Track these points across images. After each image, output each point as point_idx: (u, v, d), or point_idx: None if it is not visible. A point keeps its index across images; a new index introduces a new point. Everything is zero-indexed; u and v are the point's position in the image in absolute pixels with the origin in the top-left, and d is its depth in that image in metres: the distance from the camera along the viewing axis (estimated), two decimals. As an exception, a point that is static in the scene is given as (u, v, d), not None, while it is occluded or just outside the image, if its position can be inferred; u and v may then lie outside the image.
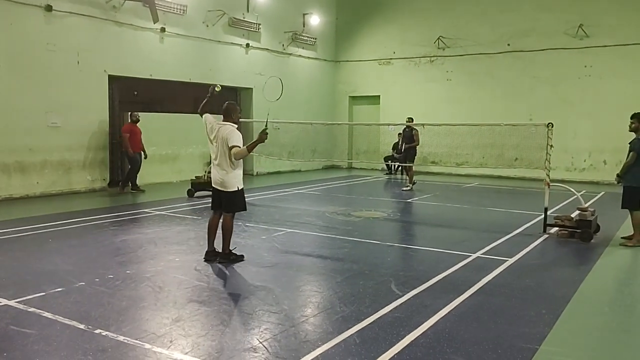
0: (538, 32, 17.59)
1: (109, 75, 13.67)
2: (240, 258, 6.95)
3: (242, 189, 6.85)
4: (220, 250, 6.91)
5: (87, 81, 13.13)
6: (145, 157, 13.51)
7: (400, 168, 19.08)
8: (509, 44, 18.10)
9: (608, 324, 5.13)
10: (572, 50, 17.08)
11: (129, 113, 13.50)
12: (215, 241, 6.97)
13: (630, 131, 8.15)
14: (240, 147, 6.57)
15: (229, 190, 6.75)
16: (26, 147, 12.04)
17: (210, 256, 6.94)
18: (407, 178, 15.15)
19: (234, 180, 6.75)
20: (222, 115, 6.86)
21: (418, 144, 14.85)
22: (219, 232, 6.90)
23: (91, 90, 13.24)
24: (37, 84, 12.16)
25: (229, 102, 7.07)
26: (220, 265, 6.72)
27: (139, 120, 13.30)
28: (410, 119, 14.40)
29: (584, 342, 4.65)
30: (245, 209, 7.00)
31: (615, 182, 8.45)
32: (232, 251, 6.93)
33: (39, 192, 12.32)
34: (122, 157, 14.10)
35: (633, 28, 16.22)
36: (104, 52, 13.45)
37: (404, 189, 14.64)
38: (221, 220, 6.90)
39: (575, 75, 17.09)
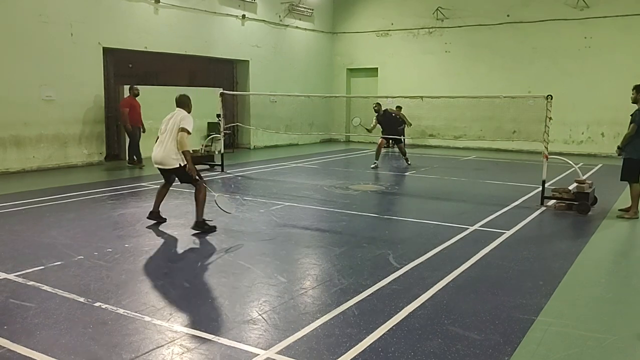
0: (537, 2, 17.36)
1: (104, 48, 13.48)
2: (212, 229, 7.03)
3: (184, 165, 6.92)
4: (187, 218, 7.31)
5: (81, 54, 12.95)
6: (144, 131, 13.39)
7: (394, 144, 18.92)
8: (508, 15, 17.87)
9: (604, 295, 5.18)
10: (572, 21, 16.88)
11: (129, 87, 13.28)
12: (160, 205, 7.42)
13: (632, 103, 8.09)
14: (189, 134, 6.77)
15: (168, 167, 6.96)
16: (21, 121, 11.93)
17: (153, 216, 7.36)
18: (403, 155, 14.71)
19: (174, 158, 6.88)
20: (176, 104, 7.18)
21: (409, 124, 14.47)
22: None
23: (86, 62, 13.07)
24: (31, 56, 11.99)
25: (183, 94, 7.27)
26: (194, 235, 6.85)
27: (138, 94, 13.15)
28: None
29: (581, 312, 4.69)
30: (199, 177, 7.06)
31: (616, 154, 8.42)
32: (206, 221, 7.03)
33: (35, 166, 12.26)
34: (119, 131, 13.98)
35: (634, -2, 16.03)
36: (98, 24, 13.24)
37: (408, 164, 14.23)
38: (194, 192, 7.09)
39: (575, 47, 16.94)
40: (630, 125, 7.97)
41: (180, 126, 6.76)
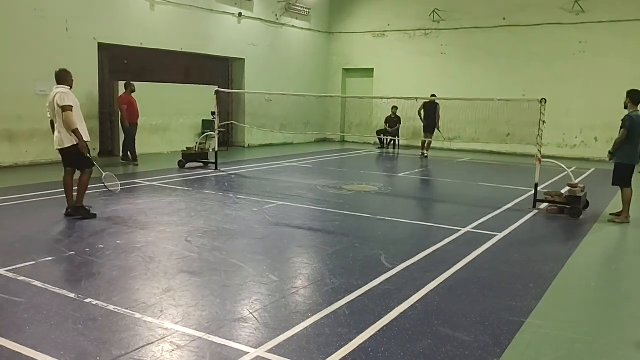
0: (534, 6, 17.42)
1: (99, 43, 13.43)
2: (91, 215, 7.29)
3: (76, 144, 7.11)
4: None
5: (77, 49, 12.88)
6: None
7: (392, 142, 19.09)
8: (504, 18, 17.93)
9: (594, 299, 5.22)
10: (568, 25, 16.95)
11: (124, 83, 13.19)
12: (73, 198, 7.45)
13: (624, 108, 8.15)
14: (71, 111, 6.97)
15: (63, 147, 7.10)
16: (15, 115, 11.87)
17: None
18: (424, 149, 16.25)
19: (67, 137, 7.10)
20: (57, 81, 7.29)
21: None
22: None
23: (80, 58, 12.99)
24: (25, 51, 11.93)
25: (62, 69, 7.41)
26: (69, 218, 7.25)
27: (135, 90, 13.10)
28: (434, 96, 14.36)
29: (571, 315, 4.72)
30: (89, 166, 7.42)
31: (607, 159, 8.48)
32: (85, 207, 7.30)
33: (28, 161, 12.20)
34: (113, 127, 13.92)
35: (630, 4, 16.09)
36: (94, 20, 13.18)
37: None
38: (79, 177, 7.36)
39: (570, 51, 17.01)
40: (621, 131, 8.03)
41: (60, 105, 6.91)
